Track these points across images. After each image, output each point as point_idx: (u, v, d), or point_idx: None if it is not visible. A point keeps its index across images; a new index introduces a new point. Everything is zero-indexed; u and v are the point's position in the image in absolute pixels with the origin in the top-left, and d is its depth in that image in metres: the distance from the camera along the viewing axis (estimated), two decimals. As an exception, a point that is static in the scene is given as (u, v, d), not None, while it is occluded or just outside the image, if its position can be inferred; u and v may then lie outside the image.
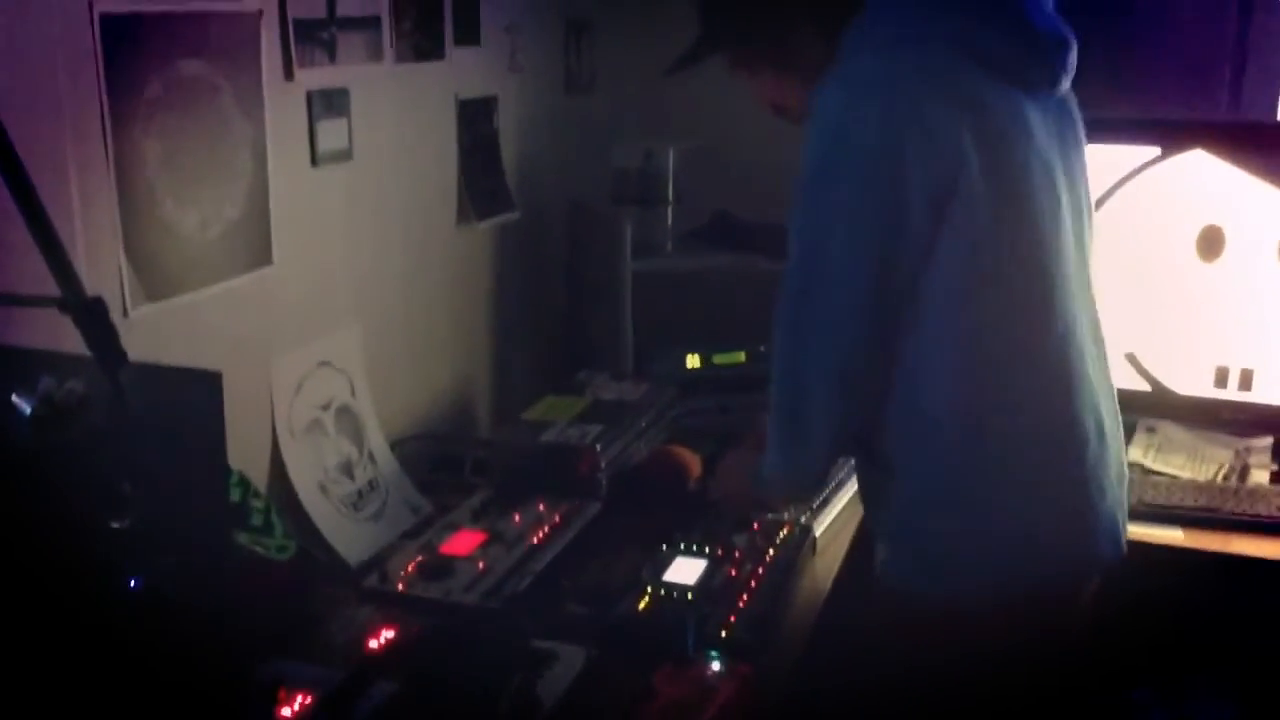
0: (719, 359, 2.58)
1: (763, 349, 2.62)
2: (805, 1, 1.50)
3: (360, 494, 1.94)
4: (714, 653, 1.52)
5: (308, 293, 1.88)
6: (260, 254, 1.75)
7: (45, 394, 1.04)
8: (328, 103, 1.86)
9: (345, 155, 1.92)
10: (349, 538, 1.85)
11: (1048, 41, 1.48)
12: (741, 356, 2.60)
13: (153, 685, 1.11)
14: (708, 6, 1.59)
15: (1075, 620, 1.59)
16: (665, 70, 1.63)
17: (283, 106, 1.76)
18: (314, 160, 1.85)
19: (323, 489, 1.87)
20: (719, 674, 1.48)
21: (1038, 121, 1.45)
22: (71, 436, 1.02)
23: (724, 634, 1.57)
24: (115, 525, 1.07)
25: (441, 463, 2.20)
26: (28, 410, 1.02)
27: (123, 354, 1.12)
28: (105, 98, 1.44)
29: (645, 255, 2.52)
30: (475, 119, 2.30)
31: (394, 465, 2.04)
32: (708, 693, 1.44)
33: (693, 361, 2.56)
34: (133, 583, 1.10)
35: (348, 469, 1.95)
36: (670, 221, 2.59)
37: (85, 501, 1.04)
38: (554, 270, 2.65)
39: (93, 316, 1.10)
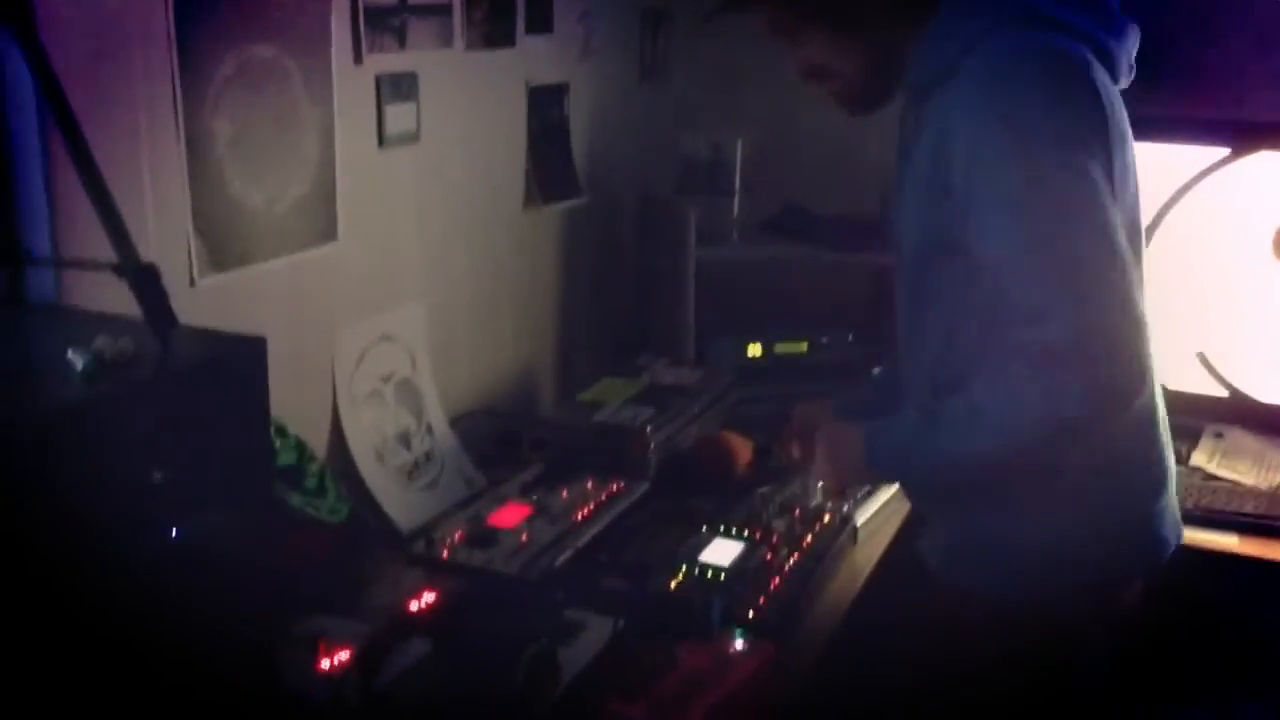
0: (781, 348, 2.61)
1: (825, 339, 2.65)
2: None
3: (416, 464, 2.01)
4: (739, 630, 1.56)
5: (372, 269, 1.96)
6: (326, 230, 1.83)
7: (98, 351, 1.12)
8: (396, 87, 1.93)
9: (412, 137, 1.99)
10: (402, 505, 1.93)
11: (1132, 34, 1.45)
12: (804, 346, 2.63)
13: (188, 634, 1.18)
14: None
15: (1129, 622, 1.59)
16: (703, 14, 1.52)
17: (351, 90, 1.83)
18: (381, 141, 1.92)
19: (379, 457, 1.95)
20: (741, 651, 1.52)
21: None
22: (117, 391, 1.09)
23: (751, 614, 1.60)
24: (157, 477, 1.15)
25: (500, 438, 2.27)
26: (79, 366, 1.10)
27: (173, 317, 1.20)
28: (178, 77, 1.52)
29: (710, 244, 2.55)
30: (546, 105, 2.35)
31: (451, 439, 2.11)
32: (727, 666, 1.48)
33: (754, 350, 2.59)
34: (173, 533, 1.17)
35: (405, 439, 2.02)
36: (736, 212, 2.62)
37: (129, 454, 1.12)
38: (620, 256, 2.70)
39: (146, 281, 1.18)
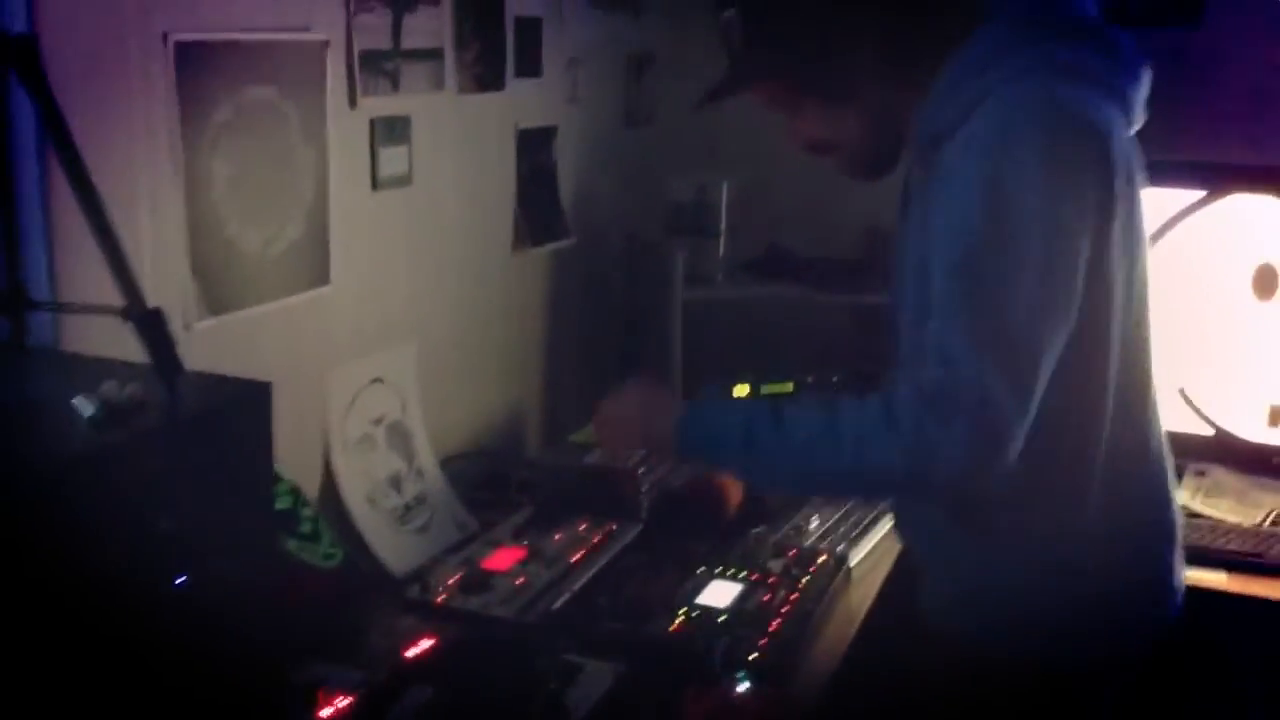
0: (767, 389, 2.61)
1: (810, 379, 2.65)
2: (873, 28, 1.38)
3: (408, 507, 2.00)
4: (742, 674, 1.55)
5: (363, 311, 1.95)
6: (319, 274, 1.83)
7: (105, 397, 1.11)
8: (390, 129, 1.93)
9: (405, 180, 1.99)
10: (395, 549, 1.91)
11: (1146, 76, 1.42)
12: (790, 387, 2.63)
13: (191, 683, 1.16)
14: (755, 32, 1.42)
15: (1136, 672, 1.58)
16: (694, 104, 1.51)
17: (346, 132, 1.84)
18: (374, 184, 1.92)
19: (371, 501, 1.93)
20: (746, 695, 1.51)
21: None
22: (126, 438, 1.08)
23: (753, 657, 1.59)
24: (164, 526, 1.13)
25: (487, 481, 2.26)
26: (87, 412, 1.08)
27: (179, 362, 1.19)
28: (177, 121, 1.52)
29: (696, 285, 2.56)
30: (534, 148, 2.36)
31: (442, 482, 2.09)
32: (734, 712, 1.47)
33: (741, 391, 2.59)
34: (177, 582, 1.16)
35: (396, 483, 2.01)
36: (721, 253, 2.63)
37: (135, 502, 1.10)
38: (607, 298, 2.70)
39: (152, 325, 1.17)
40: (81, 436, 1.08)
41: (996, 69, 1.32)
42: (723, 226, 2.64)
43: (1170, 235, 2.38)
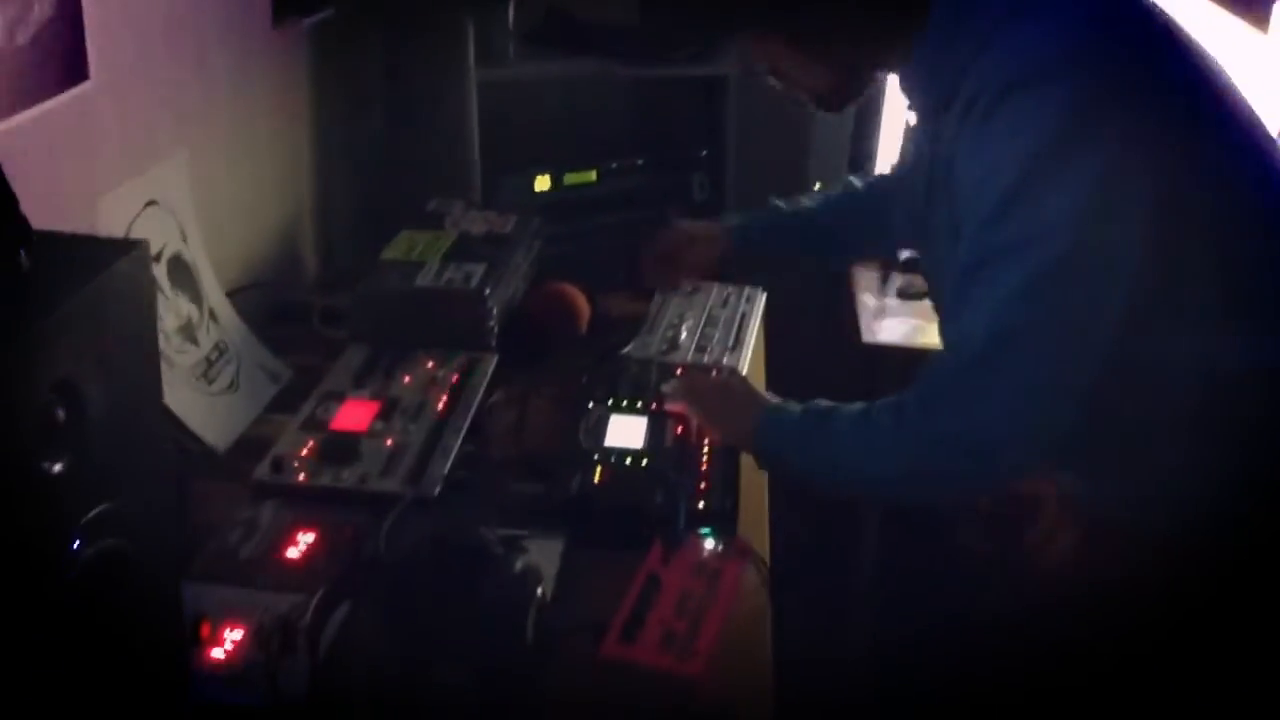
0: (570, 179, 2.32)
1: (614, 166, 2.38)
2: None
3: (209, 361, 1.59)
4: (708, 530, 1.33)
5: (129, 114, 1.48)
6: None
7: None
8: None
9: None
10: (208, 417, 1.52)
11: None
12: (593, 175, 2.35)
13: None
14: None
15: None
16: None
17: None
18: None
19: (167, 361, 1.52)
20: (720, 554, 1.30)
21: None
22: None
23: (701, 505, 1.38)
24: (54, 468, 0.75)
25: (281, 314, 1.87)
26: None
27: (25, 224, 0.77)
28: None
29: (486, 64, 2.19)
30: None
31: (239, 323, 1.69)
32: (716, 578, 1.26)
33: (542, 183, 2.29)
34: (75, 544, 0.78)
35: (189, 332, 1.59)
36: (512, 24, 2.25)
37: (5, 439, 0.71)
38: (374, 80, 2.26)
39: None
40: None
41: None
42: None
43: None
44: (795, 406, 1.35)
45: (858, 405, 1.28)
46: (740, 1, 1.31)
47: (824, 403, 1.33)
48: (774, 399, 1.41)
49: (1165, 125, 1.11)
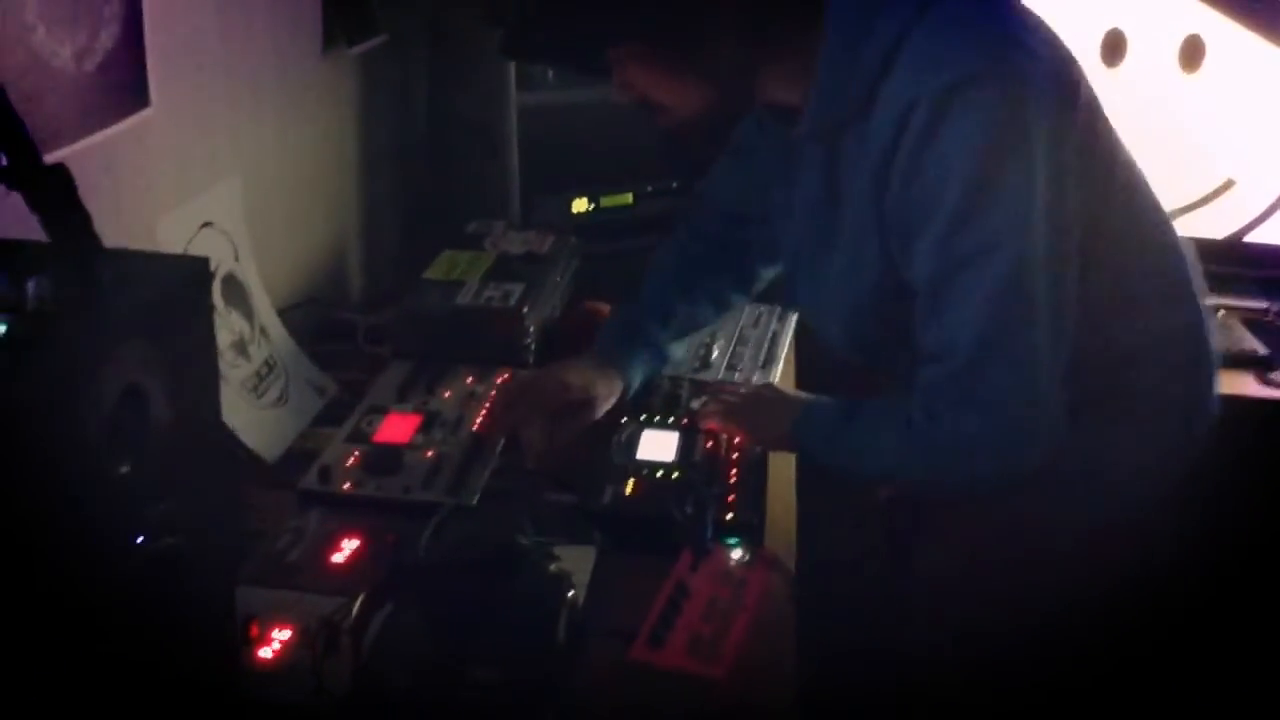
0: (606, 201, 2.38)
1: (650, 189, 2.44)
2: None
3: (260, 376, 1.66)
4: (735, 540, 1.38)
5: (185, 140, 1.56)
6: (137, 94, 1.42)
7: (7, 305, 0.76)
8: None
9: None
10: (258, 429, 1.59)
11: None
12: (629, 198, 2.41)
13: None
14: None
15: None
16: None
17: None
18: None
19: (221, 374, 1.58)
20: (746, 563, 1.35)
21: None
22: (46, 360, 0.74)
23: (730, 516, 1.43)
24: (120, 469, 0.81)
25: (328, 332, 1.94)
26: None
27: (97, 241, 0.84)
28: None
29: (526, 89, 2.26)
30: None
31: (288, 340, 1.76)
32: (743, 586, 1.31)
33: (580, 205, 2.35)
34: (139, 540, 0.85)
35: (242, 347, 1.66)
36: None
37: (77, 441, 0.78)
38: (418, 106, 2.34)
39: (55, 190, 0.81)
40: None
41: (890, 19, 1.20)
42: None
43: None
44: (828, 402, 1.41)
45: (887, 403, 1.35)
46: (597, 5, 1.26)
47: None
48: (807, 396, 1.46)
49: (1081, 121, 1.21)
